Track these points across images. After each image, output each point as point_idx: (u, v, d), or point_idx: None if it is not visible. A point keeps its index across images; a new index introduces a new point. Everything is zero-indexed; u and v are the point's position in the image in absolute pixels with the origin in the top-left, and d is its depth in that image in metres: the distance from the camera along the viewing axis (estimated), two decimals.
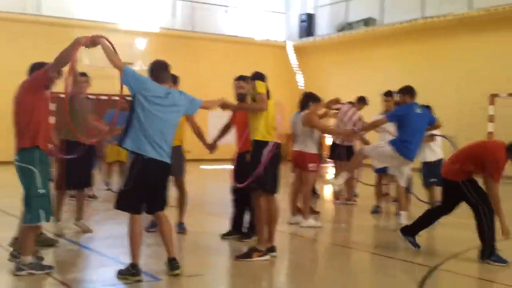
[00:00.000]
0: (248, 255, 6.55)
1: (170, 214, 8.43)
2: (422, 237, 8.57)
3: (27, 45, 19.70)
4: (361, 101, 11.56)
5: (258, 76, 6.83)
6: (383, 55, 21.79)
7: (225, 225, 7.93)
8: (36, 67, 6.38)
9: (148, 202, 5.74)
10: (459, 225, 9.54)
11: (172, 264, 5.77)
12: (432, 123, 8.64)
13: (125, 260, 6.43)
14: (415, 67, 20.51)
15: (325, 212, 10.36)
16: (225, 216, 8.31)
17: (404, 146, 8.14)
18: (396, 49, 21.38)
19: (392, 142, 8.20)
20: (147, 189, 5.65)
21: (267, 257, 6.56)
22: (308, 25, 24.62)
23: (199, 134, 7.81)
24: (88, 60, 19.43)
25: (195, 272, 5.97)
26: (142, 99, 5.59)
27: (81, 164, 7.59)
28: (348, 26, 22.90)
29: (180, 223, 8.04)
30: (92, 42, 5.68)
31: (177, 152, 7.93)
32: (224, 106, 6.51)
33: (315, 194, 11.15)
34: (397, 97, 8.95)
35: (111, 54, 5.65)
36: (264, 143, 6.47)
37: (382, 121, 8.61)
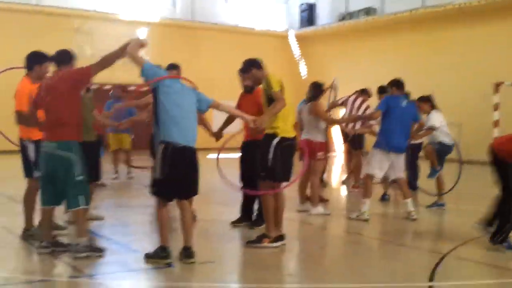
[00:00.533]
0: (258, 241, 6.57)
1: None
2: (433, 224, 8.61)
3: (26, 35, 19.57)
4: (364, 93, 11.54)
5: (254, 64, 6.73)
6: (384, 45, 21.73)
7: (234, 213, 7.91)
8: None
9: (177, 189, 5.81)
10: (469, 212, 9.58)
11: (188, 253, 5.79)
12: (416, 120, 8.74)
13: (136, 247, 6.49)
14: (416, 57, 20.47)
15: (334, 200, 10.35)
16: (234, 204, 8.30)
17: (386, 136, 8.23)
18: (397, 38, 21.32)
19: (375, 143, 8.42)
20: (179, 177, 5.74)
21: (277, 244, 6.56)
22: (309, 14, 24.52)
23: (204, 123, 7.75)
24: (90, 50, 19.40)
25: (207, 259, 5.95)
26: (162, 90, 5.75)
27: (88, 157, 7.52)
28: (349, 15, 22.82)
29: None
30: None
31: None
32: (257, 123, 6.32)
33: (323, 182, 11.16)
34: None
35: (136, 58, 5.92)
36: (272, 136, 6.49)
37: (377, 113, 8.57)
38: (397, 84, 8.55)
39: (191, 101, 5.90)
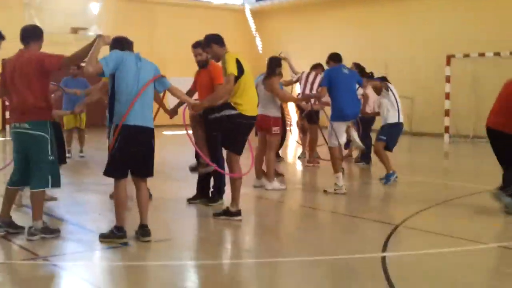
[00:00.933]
0: (222, 214, 6.76)
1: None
2: (385, 196, 8.78)
3: None
4: (317, 68, 11.56)
5: (215, 40, 6.70)
6: (340, 17, 21.82)
7: (190, 190, 7.91)
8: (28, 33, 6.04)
9: (133, 168, 5.84)
10: (420, 183, 9.80)
11: (144, 231, 5.80)
12: (360, 83, 8.94)
13: (91, 227, 6.45)
14: (371, 29, 20.63)
15: (289, 175, 10.44)
16: (189, 181, 8.30)
17: (339, 108, 8.43)
18: (353, 11, 21.42)
19: (331, 117, 8.57)
20: (132, 156, 5.74)
21: (239, 217, 6.71)
22: None
23: (159, 101, 7.66)
24: (41, 25, 18.88)
25: (163, 237, 5.96)
26: (119, 70, 5.71)
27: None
28: None
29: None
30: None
31: None
32: (195, 108, 6.54)
33: (279, 157, 11.25)
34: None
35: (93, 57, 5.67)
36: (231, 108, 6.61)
37: (323, 90, 8.62)
38: (333, 57, 8.79)
39: (148, 80, 5.82)
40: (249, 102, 6.71)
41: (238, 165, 6.73)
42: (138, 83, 5.72)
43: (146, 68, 5.83)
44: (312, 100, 10.73)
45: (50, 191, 7.91)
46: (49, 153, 5.81)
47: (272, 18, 24.68)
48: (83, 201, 8.02)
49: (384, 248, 5.63)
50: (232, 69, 6.44)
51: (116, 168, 5.79)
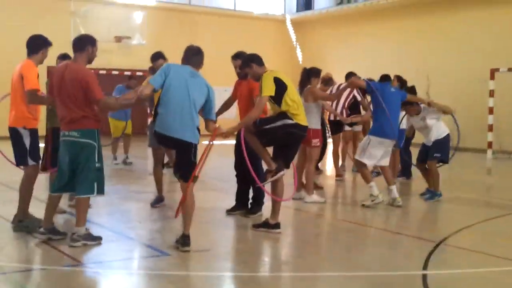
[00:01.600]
0: (262, 226, 6.74)
1: (174, 188, 8.50)
2: (426, 212, 8.66)
3: (23, 18, 19.48)
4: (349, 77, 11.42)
5: (255, 60, 6.73)
6: (382, 29, 21.65)
7: (229, 200, 7.94)
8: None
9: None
10: (462, 199, 9.63)
11: (185, 241, 5.87)
12: (404, 99, 8.82)
13: (132, 234, 6.53)
14: (414, 41, 20.41)
15: (329, 188, 10.39)
16: (228, 191, 8.34)
17: (377, 124, 8.44)
18: (396, 22, 21.23)
19: (370, 131, 8.54)
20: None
21: (277, 230, 6.68)
22: None
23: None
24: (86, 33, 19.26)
25: (202, 247, 5.99)
26: (165, 83, 5.91)
27: None
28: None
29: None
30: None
31: None
32: (226, 136, 6.52)
33: (318, 169, 11.17)
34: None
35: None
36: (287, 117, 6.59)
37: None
38: (380, 79, 9.01)
39: (194, 97, 5.90)
40: (302, 112, 6.72)
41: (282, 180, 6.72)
42: (185, 97, 5.83)
43: (196, 86, 5.92)
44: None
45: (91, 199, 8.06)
46: (96, 160, 5.92)
47: (313, 29, 24.65)
48: (124, 208, 8.12)
49: (425, 266, 5.54)
50: (268, 91, 6.44)
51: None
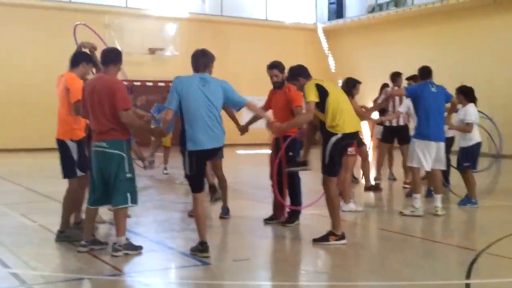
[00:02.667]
0: (325, 238, 6.66)
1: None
2: (466, 220, 8.55)
3: (57, 32, 19.85)
4: (396, 81, 11.30)
5: (301, 73, 6.78)
6: (414, 36, 21.51)
7: (265, 210, 7.97)
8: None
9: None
10: (502, 207, 9.49)
11: (203, 247, 6.01)
12: (449, 100, 8.68)
13: (172, 244, 6.58)
14: (447, 47, 20.23)
15: (365, 196, 10.35)
16: (263, 200, 8.36)
17: (419, 127, 8.33)
18: (428, 29, 21.08)
19: (414, 134, 8.42)
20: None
21: (343, 241, 6.64)
22: (337, 7, 24.39)
23: (233, 116, 7.75)
24: (120, 46, 19.56)
25: (242, 257, 6.02)
26: (181, 100, 5.96)
27: None
28: (379, 7, 22.64)
29: (224, 208, 8.12)
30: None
31: None
32: (274, 129, 6.58)
33: (355, 178, 11.12)
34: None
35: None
36: (331, 134, 6.56)
37: (401, 91, 8.90)
38: (421, 74, 8.71)
39: (213, 103, 5.94)
40: (345, 118, 6.61)
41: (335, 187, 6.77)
42: (205, 107, 5.87)
43: (211, 92, 5.94)
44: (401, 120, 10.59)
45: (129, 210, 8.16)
46: (127, 171, 5.98)
47: (345, 37, 24.60)
48: (162, 218, 8.19)
49: (468, 275, 5.47)
50: (312, 97, 6.46)
51: (195, 184, 6.07)
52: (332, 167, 6.61)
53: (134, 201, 6.09)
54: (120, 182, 5.95)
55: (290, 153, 7.31)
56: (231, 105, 6.24)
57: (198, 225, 6.04)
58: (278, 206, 7.64)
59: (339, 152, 6.63)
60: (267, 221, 7.71)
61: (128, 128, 6.08)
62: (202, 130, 5.86)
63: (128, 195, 6.00)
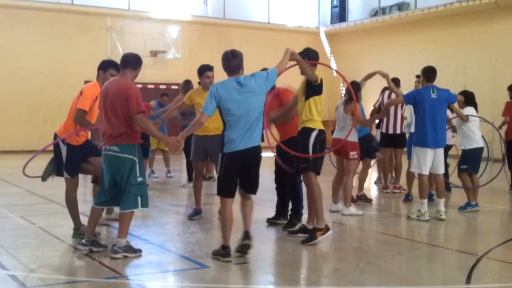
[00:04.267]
0: (312, 237, 6.73)
1: (211, 200, 8.53)
2: (467, 224, 8.51)
3: (60, 34, 19.91)
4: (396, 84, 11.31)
5: (312, 55, 6.99)
6: (417, 40, 21.48)
7: (266, 213, 7.97)
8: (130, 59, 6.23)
9: (240, 184, 6.12)
10: (504, 212, 9.45)
11: (246, 235, 6.09)
12: (453, 101, 8.65)
13: (171, 247, 6.56)
14: (450, 52, 20.17)
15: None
16: (265, 203, 8.33)
17: (418, 134, 8.29)
18: (430, 34, 21.04)
19: (415, 141, 8.40)
20: (237, 176, 6.04)
21: (329, 232, 6.81)
22: (340, 10, 24.38)
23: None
24: (122, 49, 19.61)
25: (242, 260, 5.99)
26: (221, 106, 5.96)
27: None
28: (381, 11, 22.62)
29: None
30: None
31: (219, 141, 7.98)
32: (293, 57, 6.53)
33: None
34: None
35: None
36: (311, 130, 6.78)
37: (399, 98, 8.97)
38: (426, 74, 8.54)
39: (254, 105, 5.97)
40: (319, 117, 6.88)
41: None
42: (247, 111, 5.89)
43: (249, 93, 5.92)
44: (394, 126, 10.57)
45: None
46: (138, 174, 5.97)
47: (347, 41, 24.58)
48: (162, 221, 8.17)
49: (469, 279, 5.44)
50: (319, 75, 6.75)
51: (222, 189, 6.05)
52: (317, 162, 6.80)
53: (145, 204, 6.06)
54: (131, 186, 5.94)
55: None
56: (269, 83, 6.19)
57: (223, 228, 6.04)
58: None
59: (320, 147, 6.82)
60: (271, 220, 7.68)
61: (138, 131, 6.05)
62: (244, 134, 5.93)
63: (139, 198, 5.98)
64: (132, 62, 6.11)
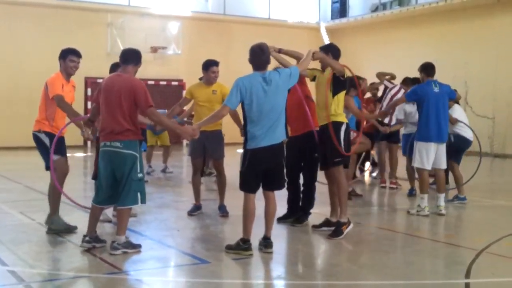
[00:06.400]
0: (339, 232, 6.82)
1: (211, 196, 8.53)
2: (467, 220, 8.52)
3: (60, 30, 19.85)
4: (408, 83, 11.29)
5: (336, 51, 7.01)
6: (418, 36, 21.43)
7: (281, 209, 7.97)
8: (131, 55, 6.20)
9: (262, 182, 6.11)
10: (503, 207, 9.45)
11: (267, 243, 6.09)
12: (453, 98, 8.66)
13: (171, 243, 6.56)
14: (451, 48, 20.13)
15: (366, 195, 10.33)
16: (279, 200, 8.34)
17: (421, 129, 8.28)
18: (431, 29, 20.99)
19: (417, 136, 8.40)
20: (260, 172, 6.03)
21: (351, 225, 6.93)
22: (340, 6, 24.33)
23: (236, 118, 7.75)
24: (123, 45, 19.58)
25: (241, 256, 5.98)
26: (244, 101, 5.99)
27: None
28: (382, 6, 22.58)
29: (221, 206, 8.11)
30: None
31: (217, 136, 8.00)
32: (315, 56, 6.59)
33: (355, 177, 11.01)
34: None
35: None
36: (341, 123, 6.88)
37: (402, 100, 8.85)
38: (426, 68, 8.52)
39: (278, 102, 5.98)
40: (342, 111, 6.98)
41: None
42: (270, 107, 5.90)
43: (275, 90, 5.93)
44: (389, 121, 10.52)
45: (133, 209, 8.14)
46: (138, 170, 5.97)
47: (348, 36, 24.52)
48: (162, 217, 8.17)
49: (468, 274, 5.44)
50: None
51: (245, 184, 6.06)
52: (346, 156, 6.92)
53: (143, 200, 6.07)
54: (132, 182, 5.93)
55: (316, 154, 7.33)
56: (292, 81, 6.19)
57: (245, 222, 6.04)
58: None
59: (348, 141, 6.94)
60: (281, 220, 7.62)
61: (138, 127, 6.06)
62: (267, 131, 5.95)
63: (138, 194, 5.99)
64: (133, 57, 6.09)
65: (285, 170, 6.35)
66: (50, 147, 6.68)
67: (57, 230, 6.79)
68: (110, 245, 6.01)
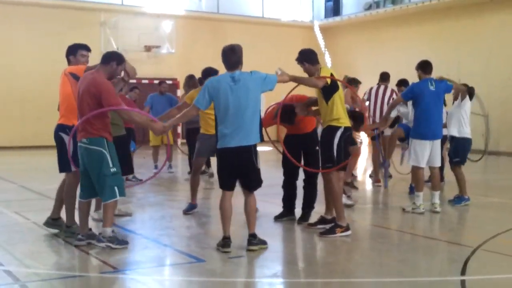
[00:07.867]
0: (331, 231, 6.80)
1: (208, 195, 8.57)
2: (461, 217, 8.54)
3: (54, 30, 19.77)
4: (384, 80, 11.38)
5: (308, 59, 6.84)
6: (411, 34, 21.47)
7: (271, 207, 7.98)
8: (105, 55, 6.28)
9: (239, 180, 6.17)
10: (497, 204, 9.49)
11: (249, 240, 6.12)
12: (449, 91, 8.63)
13: (166, 242, 6.56)
14: (444, 46, 20.18)
15: (361, 192, 10.35)
16: (270, 198, 8.33)
17: (416, 127, 8.28)
18: (425, 27, 21.04)
19: (412, 133, 8.39)
20: (233, 172, 6.08)
21: (348, 232, 6.82)
22: (334, 4, 24.35)
23: None
24: (116, 44, 19.56)
25: (239, 254, 5.98)
26: (214, 100, 6.06)
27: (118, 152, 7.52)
28: (375, 4, 22.61)
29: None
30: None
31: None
32: (286, 79, 6.51)
33: (352, 175, 11.02)
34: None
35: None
36: (336, 128, 6.75)
37: (399, 100, 8.78)
38: (422, 66, 8.45)
39: (247, 101, 5.96)
40: (346, 115, 6.88)
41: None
42: (238, 107, 5.90)
43: (243, 90, 5.93)
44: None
45: (123, 206, 8.13)
46: (111, 165, 6.00)
47: (341, 35, 24.56)
48: (157, 216, 8.15)
49: (463, 271, 5.46)
50: (328, 74, 6.66)
51: (221, 182, 6.16)
52: (340, 160, 6.79)
53: (122, 193, 6.11)
54: (105, 177, 5.97)
55: (317, 147, 7.30)
56: (267, 88, 6.16)
57: (222, 220, 6.10)
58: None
59: (344, 145, 6.85)
60: (278, 218, 7.65)
61: (107, 126, 6.08)
62: (234, 130, 5.96)
63: (116, 188, 6.03)
64: (105, 57, 6.16)
65: (260, 171, 6.23)
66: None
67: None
68: (96, 237, 6.06)
